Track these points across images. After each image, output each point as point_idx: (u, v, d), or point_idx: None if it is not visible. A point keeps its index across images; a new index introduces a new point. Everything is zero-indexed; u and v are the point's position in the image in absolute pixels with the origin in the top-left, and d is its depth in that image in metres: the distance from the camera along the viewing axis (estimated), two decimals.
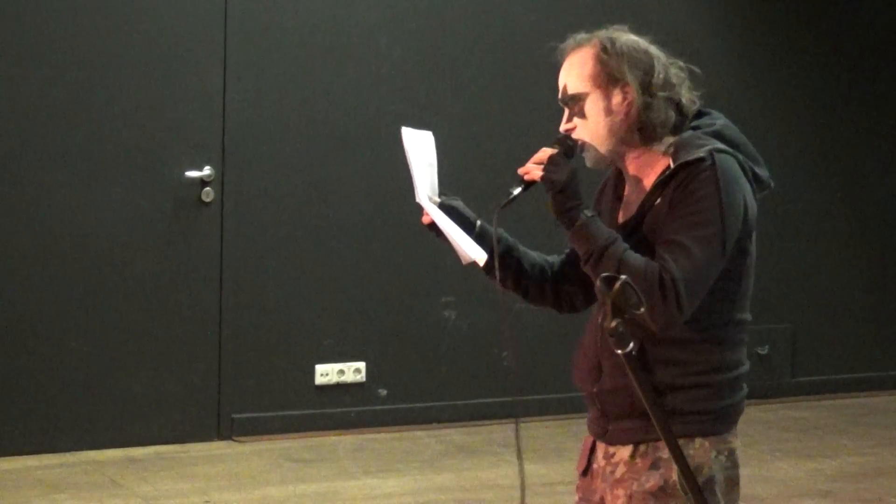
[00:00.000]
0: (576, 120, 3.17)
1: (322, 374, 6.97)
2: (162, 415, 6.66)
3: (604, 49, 3.15)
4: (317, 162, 6.90)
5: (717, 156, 3.08)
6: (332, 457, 6.57)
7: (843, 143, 8.02)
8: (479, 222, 3.31)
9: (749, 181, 3.15)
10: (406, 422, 7.07)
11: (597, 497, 3.25)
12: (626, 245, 3.08)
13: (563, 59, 3.21)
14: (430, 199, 3.22)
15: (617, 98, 3.14)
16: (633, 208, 3.20)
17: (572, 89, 3.17)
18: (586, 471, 3.30)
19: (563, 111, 3.23)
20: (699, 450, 3.13)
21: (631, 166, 3.21)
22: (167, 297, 6.63)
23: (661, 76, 3.15)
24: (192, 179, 6.65)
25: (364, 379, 7.04)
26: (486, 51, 7.18)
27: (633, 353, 2.77)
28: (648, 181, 3.18)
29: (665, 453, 3.08)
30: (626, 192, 3.25)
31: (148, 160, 6.58)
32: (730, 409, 3.19)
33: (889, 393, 8.04)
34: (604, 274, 2.78)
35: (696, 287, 3.03)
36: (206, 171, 6.65)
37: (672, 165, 3.10)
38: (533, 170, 3.14)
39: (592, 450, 3.28)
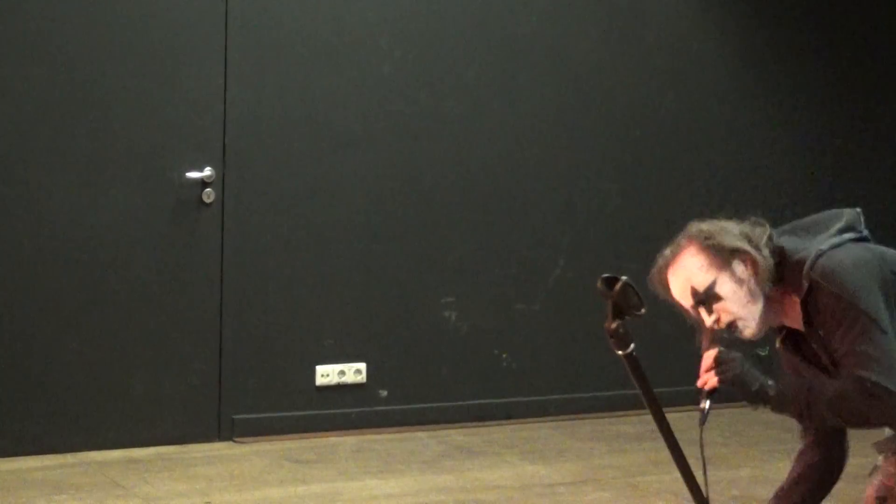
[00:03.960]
0: (716, 309, 3.34)
1: (323, 375, 6.96)
2: (162, 415, 6.66)
3: (702, 240, 3.36)
4: (317, 162, 6.89)
5: (817, 265, 3.32)
6: (332, 458, 6.57)
7: (844, 143, 8.01)
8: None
9: (857, 235, 3.45)
10: (407, 422, 7.07)
11: None
12: (819, 382, 3.35)
13: (667, 276, 3.37)
14: None
15: (740, 267, 3.35)
16: (814, 339, 3.43)
17: (700, 286, 3.33)
18: None
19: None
20: None
21: (785, 316, 3.45)
22: (168, 297, 6.63)
23: (748, 230, 3.40)
24: (193, 180, 6.64)
25: (365, 380, 7.03)
26: (486, 51, 7.17)
27: (633, 353, 2.76)
28: (798, 314, 3.39)
29: (878, 460, 3.52)
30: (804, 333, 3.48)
31: (148, 161, 6.57)
32: None
33: None
34: (604, 275, 2.78)
35: (892, 371, 3.28)
36: (207, 171, 6.65)
37: (801, 296, 3.34)
38: (709, 378, 3.34)
39: None
